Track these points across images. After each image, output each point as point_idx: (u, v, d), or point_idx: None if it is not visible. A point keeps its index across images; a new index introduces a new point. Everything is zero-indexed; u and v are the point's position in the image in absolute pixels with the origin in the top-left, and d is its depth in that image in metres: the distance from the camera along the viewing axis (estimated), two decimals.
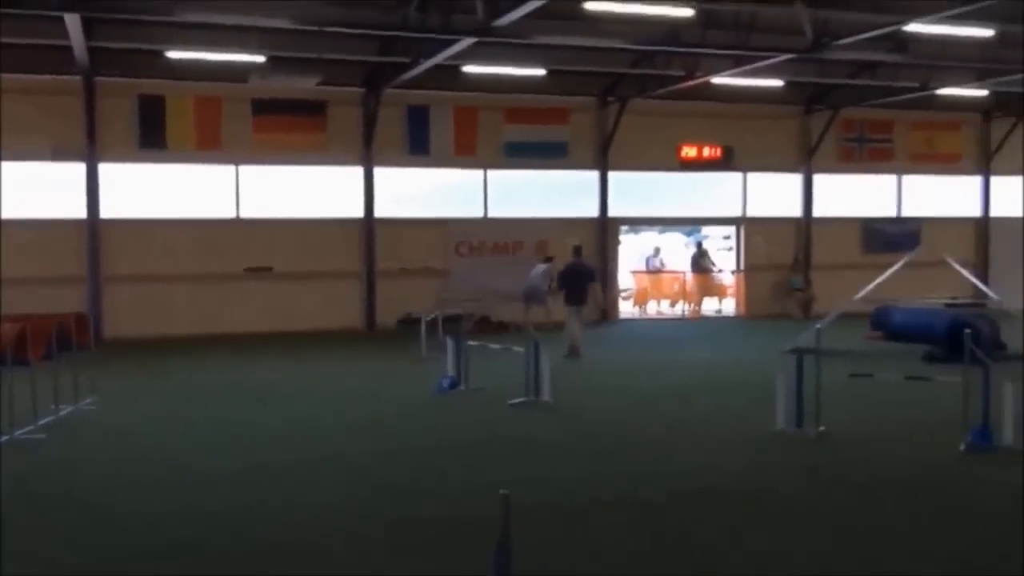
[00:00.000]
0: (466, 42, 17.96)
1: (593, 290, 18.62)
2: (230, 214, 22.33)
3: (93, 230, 21.13)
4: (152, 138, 21.36)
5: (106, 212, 21.29)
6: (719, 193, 26.41)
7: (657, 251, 28.18)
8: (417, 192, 23.80)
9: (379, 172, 23.25)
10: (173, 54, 19.51)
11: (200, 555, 6.86)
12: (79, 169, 20.99)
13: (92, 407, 12.50)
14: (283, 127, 22.15)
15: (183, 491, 8.59)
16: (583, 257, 19.51)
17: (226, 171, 22.26)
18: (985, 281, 22.49)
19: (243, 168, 22.34)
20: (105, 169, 21.28)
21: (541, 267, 20.07)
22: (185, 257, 21.77)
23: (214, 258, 22.01)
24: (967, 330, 10.53)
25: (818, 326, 11.50)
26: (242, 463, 9.67)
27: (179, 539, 7.21)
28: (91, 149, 20.96)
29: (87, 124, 20.89)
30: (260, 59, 20.17)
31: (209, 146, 21.78)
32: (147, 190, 21.74)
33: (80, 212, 21.09)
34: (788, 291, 26.44)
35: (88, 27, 18.17)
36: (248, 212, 22.43)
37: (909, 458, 9.76)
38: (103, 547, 7.07)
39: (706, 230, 28.67)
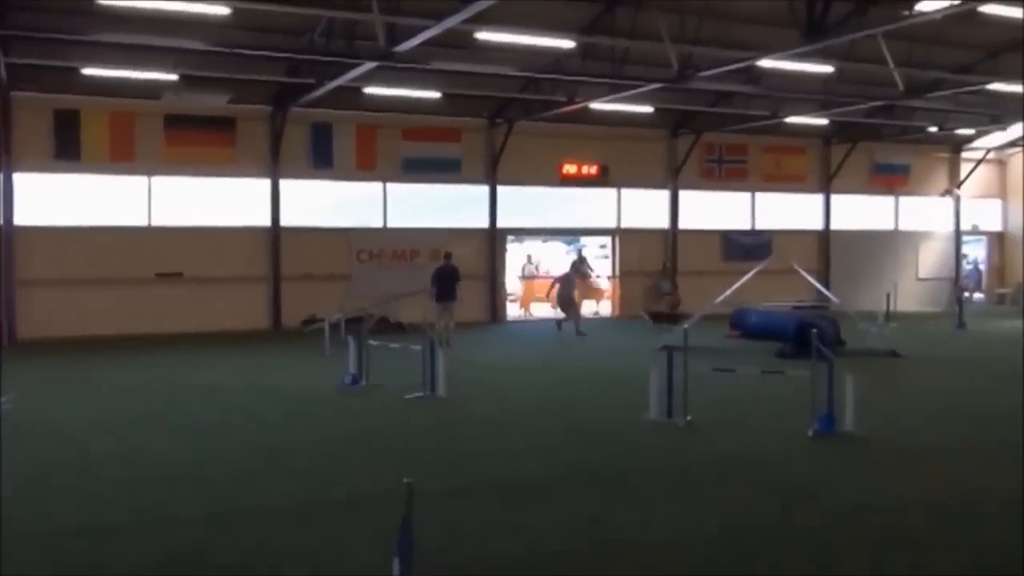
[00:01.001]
0: (368, 66, 17.80)
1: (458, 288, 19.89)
2: (142, 222, 21.57)
3: (7, 236, 20.11)
4: (67, 150, 20.47)
5: (20, 219, 20.30)
6: (596, 206, 26.80)
7: (529, 258, 28.49)
8: (321, 203, 23.44)
9: (285, 184, 22.82)
10: (89, 71, 18.73)
11: (97, 550, 6.59)
12: None
13: (8, 405, 11.87)
14: (194, 141, 21.52)
15: (93, 487, 8.24)
16: (451, 261, 20.40)
17: (139, 182, 21.49)
18: (827, 286, 23.48)
19: (155, 179, 21.61)
20: (20, 179, 20.30)
21: (567, 274, 22.34)
22: (99, 262, 20.92)
23: (127, 263, 21.23)
24: (813, 329, 10.91)
25: (685, 326, 11.77)
26: (154, 458, 9.33)
27: (83, 530, 6.92)
28: (6, 159, 19.96)
29: (2, 136, 19.90)
30: (173, 77, 19.57)
31: (123, 158, 20.99)
32: (62, 199, 20.81)
33: None
34: (658, 295, 27.01)
35: (5, 44, 17.35)
36: (160, 220, 21.70)
37: (764, 443, 10.06)
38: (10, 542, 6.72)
39: (584, 239, 29.00)
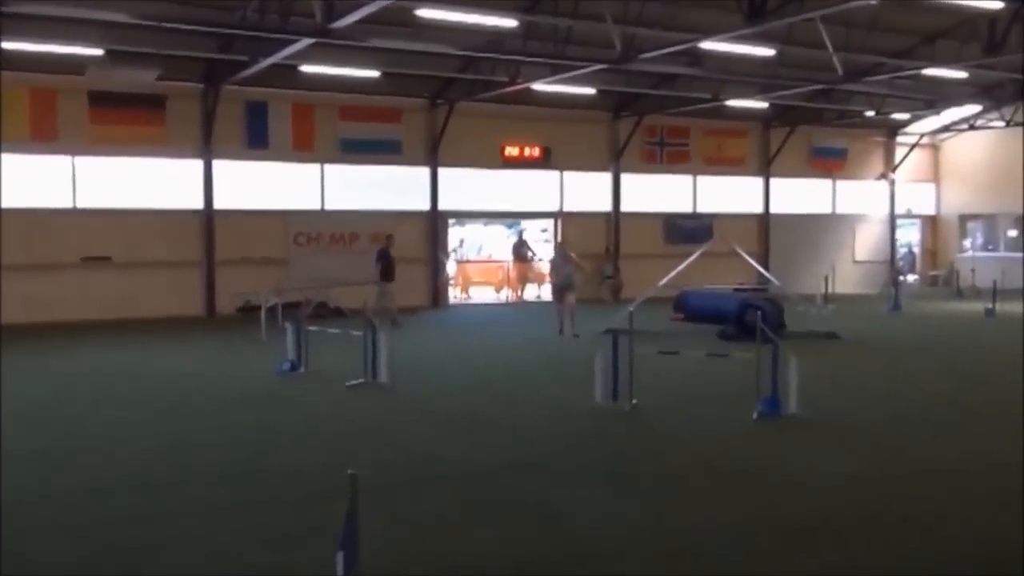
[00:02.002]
0: (304, 43, 17.39)
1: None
2: (67, 204, 20.82)
3: None
4: None
5: None
6: (539, 189, 26.69)
7: (461, 242, 28.38)
8: (257, 185, 22.90)
9: (218, 165, 22.22)
10: (7, 44, 17.93)
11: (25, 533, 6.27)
12: None
13: None
14: (121, 120, 20.80)
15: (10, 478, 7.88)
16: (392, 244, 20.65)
17: (62, 162, 20.72)
18: (766, 269, 23.74)
19: (80, 159, 20.86)
20: None
21: (558, 259, 19.57)
22: (19, 246, 20.10)
23: (49, 247, 20.48)
24: (758, 311, 10.96)
25: (630, 309, 11.72)
26: (76, 447, 8.96)
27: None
28: None
29: None
30: (98, 52, 18.86)
31: (44, 137, 20.21)
32: None
33: None
34: (600, 278, 27.04)
35: None
36: (85, 202, 20.97)
37: (708, 426, 10.05)
38: None
39: (525, 223, 28.93)
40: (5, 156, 20.07)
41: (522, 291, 27.39)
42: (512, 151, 26.01)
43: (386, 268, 19.92)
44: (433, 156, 24.88)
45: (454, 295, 26.88)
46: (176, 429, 9.90)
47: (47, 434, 9.69)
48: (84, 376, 13.56)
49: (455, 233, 27.46)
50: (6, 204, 20.07)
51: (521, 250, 27.28)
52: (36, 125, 20.10)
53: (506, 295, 27.39)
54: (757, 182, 30.43)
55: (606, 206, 27.81)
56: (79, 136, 20.54)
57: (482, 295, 27.69)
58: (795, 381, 10.12)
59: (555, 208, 27.09)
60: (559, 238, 25.38)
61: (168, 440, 9.35)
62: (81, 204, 20.94)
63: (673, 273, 18.98)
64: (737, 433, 9.63)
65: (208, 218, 22.12)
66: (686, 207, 29.13)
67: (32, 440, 9.34)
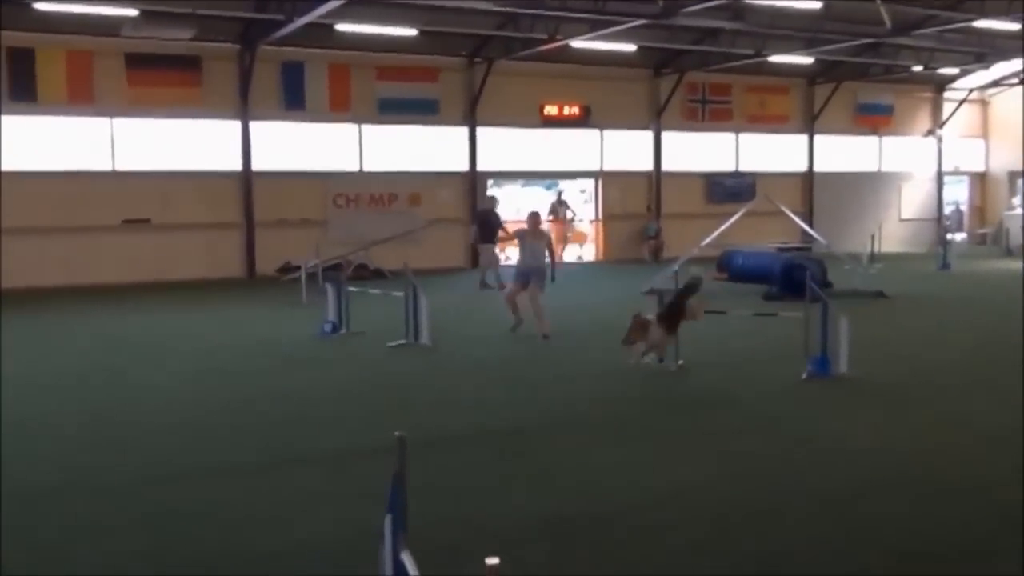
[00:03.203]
0: (339, 1, 17.15)
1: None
2: (106, 167, 20.89)
3: None
4: (23, 91, 19.68)
5: None
6: (578, 149, 26.35)
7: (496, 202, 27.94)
8: (294, 146, 22.81)
9: (255, 126, 22.14)
10: (42, 6, 17.92)
11: (71, 491, 6.25)
12: None
13: None
14: (158, 81, 20.75)
15: (61, 440, 7.89)
16: (494, 205, 20.63)
17: (100, 124, 20.75)
18: (811, 228, 23.28)
19: (117, 121, 20.88)
20: None
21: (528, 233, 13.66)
22: (60, 209, 20.25)
23: (90, 210, 20.59)
24: (807, 271, 10.69)
25: (676, 268, 11.49)
26: (124, 413, 8.97)
27: (52, 484, 6.57)
28: None
29: None
30: (132, 12, 18.78)
31: (82, 99, 20.22)
32: (19, 143, 20.05)
33: None
34: (643, 238, 26.69)
35: None
36: (124, 165, 21.03)
37: (757, 386, 9.83)
38: None
39: (564, 183, 28.57)
40: (44, 119, 20.13)
41: (561, 251, 27.13)
42: (551, 110, 25.65)
43: (484, 229, 19.56)
44: (471, 116, 24.61)
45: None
46: (221, 389, 9.88)
47: (96, 393, 9.72)
48: (126, 337, 13.61)
49: (492, 193, 27.12)
50: (50, 167, 20.18)
51: (559, 210, 27.00)
52: (73, 87, 20.12)
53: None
54: (801, 139, 29.82)
55: (647, 165, 27.40)
56: (116, 98, 20.53)
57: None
58: (846, 340, 9.85)
59: (595, 168, 26.74)
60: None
61: (214, 400, 9.34)
62: (120, 167, 21.00)
63: (716, 233, 18.69)
64: (786, 393, 9.41)
65: (246, 180, 22.10)
66: (728, 166, 28.64)
67: (75, 402, 9.38)
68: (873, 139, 31.22)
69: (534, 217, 13.67)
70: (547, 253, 13.35)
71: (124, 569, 5.12)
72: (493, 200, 21.60)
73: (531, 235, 13.31)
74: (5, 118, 19.80)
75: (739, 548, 5.37)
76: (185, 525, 5.80)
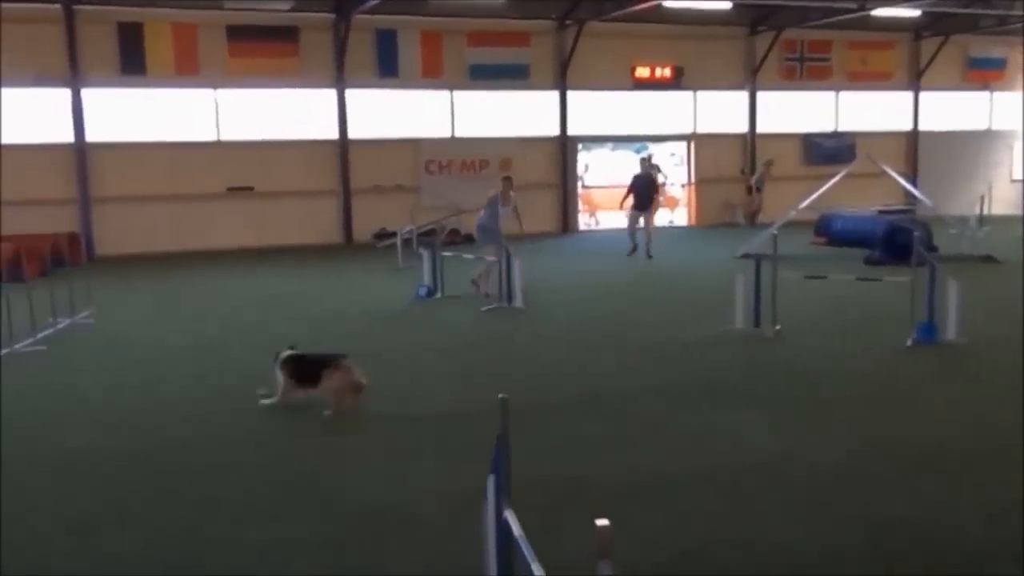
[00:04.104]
0: None
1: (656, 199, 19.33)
2: (211, 137, 21.55)
3: (80, 153, 20.33)
4: (132, 64, 20.41)
5: (92, 136, 20.45)
6: (670, 111, 25.94)
7: (586, 167, 27.67)
8: (388, 113, 23.07)
9: (351, 94, 22.48)
10: None
11: (192, 450, 6.58)
12: (64, 95, 20.09)
13: (89, 320, 12.05)
14: (258, 52, 21.22)
15: (179, 395, 8.27)
16: (650, 169, 19.72)
17: (205, 95, 21.39)
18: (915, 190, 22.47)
19: (221, 92, 21.47)
20: (88, 94, 20.35)
21: (491, 194, 14.13)
22: (168, 178, 21.03)
23: (196, 179, 21.29)
24: (912, 233, 10.37)
25: (774, 232, 11.28)
26: (235, 366, 9.35)
27: (177, 436, 6.92)
28: (74, 75, 20.00)
29: (69, 51, 19.89)
30: None
31: (187, 71, 20.85)
32: (130, 114, 20.84)
33: (67, 136, 20.25)
34: (752, 192, 25.94)
35: None
36: (228, 135, 21.65)
37: (859, 352, 9.64)
38: (104, 444, 6.75)
39: (656, 146, 28.18)
40: (152, 91, 20.84)
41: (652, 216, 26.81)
42: (643, 72, 25.28)
43: (639, 195, 18.66)
44: (562, 80, 24.45)
45: (584, 221, 26.56)
46: (327, 348, 10.15)
47: (211, 356, 10.13)
48: (233, 301, 14.10)
49: (581, 158, 26.96)
50: (159, 138, 20.93)
51: (652, 173, 26.62)
52: (180, 60, 20.75)
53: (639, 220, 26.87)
54: (906, 97, 28.69)
55: (741, 127, 26.81)
56: (219, 69, 21.09)
57: (612, 221, 27.29)
58: (955, 306, 9.55)
59: (688, 130, 26.31)
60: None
61: None
62: (224, 136, 21.62)
63: (815, 195, 18.23)
64: (889, 360, 9.20)
65: (343, 147, 22.50)
66: (827, 126, 27.79)
67: (192, 367, 9.80)
68: (984, 95, 29.81)
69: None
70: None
71: (253, 508, 5.38)
72: (650, 164, 20.31)
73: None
74: (117, 91, 20.57)
75: (843, 511, 5.33)
76: (298, 475, 6.06)
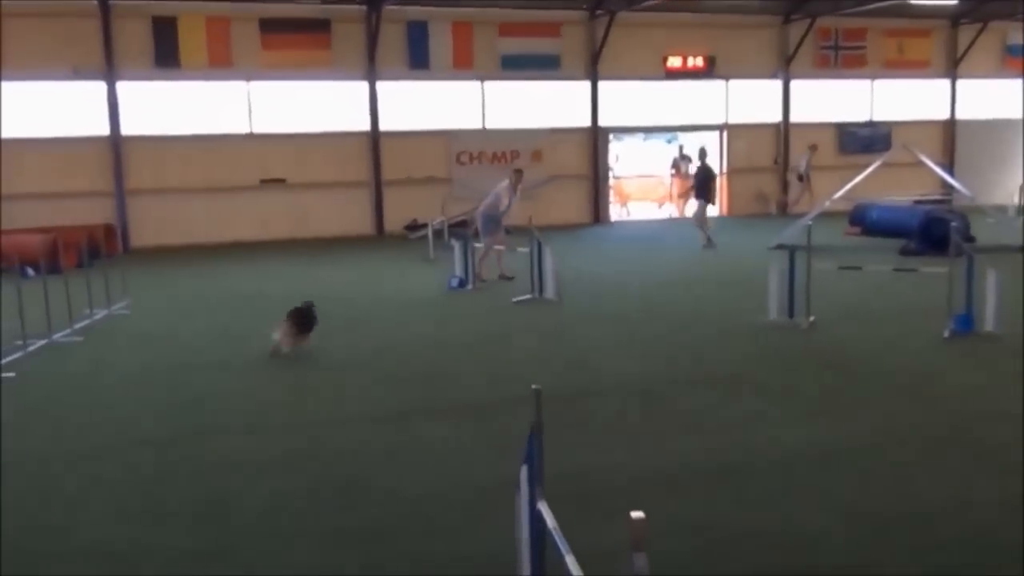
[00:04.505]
0: None
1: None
2: (243, 129, 21.69)
3: (116, 146, 20.55)
4: (167, 57, 20.59)
5: (127, 129, 20.67)
6: (703, 101, 25.73)
7: (617, 158, 27.53)
8: (419, 105, 23.08)
9: (382, 86, 22.52)
10: None
11: (226, 434, 6.63)
12: (100, 88, 20.32)
13: (125, 311, 12.20)
14: (290, 44, 21.33)
15: (214, 382, 8.35)
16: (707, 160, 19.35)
17: (238, 87, 21.53)
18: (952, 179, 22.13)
19: (254, 84, 21.60)
20: (124, 88, 20.56)
21: (502, 185, 14.57)
22: (202, 170, 21.20)
23: (229, 171, 21.45)
24: (949, 223, 10.21)
25: (808, 222, 11.16)
26: (266, 352, 9.42)
27: (210, 421, 6.98)
28: (109, 69, 20.21)
29: (104, 45, 20.10)
30: None
31: (221, 64, 21.00)
32: (164, 107, 21.03)
33: (103, 129, 20.48)
34: (804, 180, 25.53)
35: None
36: (260, 127, 21.78)
37: (895, 344, 9.52)
38: (140, 428, 6.84)
39: (687, 136, 27.97)
40: (186, 83, 21.00)
41: (684, 206, 26.71)
42: (675, 61, 25.08)
43: (701, 185, 18.75)
44: (593, 70, 24.34)
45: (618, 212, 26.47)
46: (361, 340, 10.22)
47: (243, 343, 10.22)
48: (268, 295, 14.18)
49: (612, 148, 26.83)
50: (193, 130, 21.10)
51: (681, 164, 26.52)
52: (213, 53, 20.89)
53: (669, 211, 26.79)
54: (943, 85, 28.22)
55: (774, 116, 26.54)
56: (252, 62, 21.22)
57: (643, 211, 27.18)
58: (994, 297, 9.39)
59: (720, 120, 26.08)
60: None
61: (355, 350, 9.67)
62: (257, 129, 21.75)
63: (849, 185, 18.02)
64: (925, 351, 9.08)
65: (374, 139, 22.56)
66: (862, 115, 27.43)
67: (215, 349, 9.89)
68: (1022, 83, 29.25)
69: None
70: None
71: (284, 501, 5.42)
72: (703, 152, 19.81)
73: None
74: (152, 84, 20.77)
75: (882, 503, 5.27)
76: (333, 466, 6.09)
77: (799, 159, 25.82)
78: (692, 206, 18.73)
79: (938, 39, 27.77)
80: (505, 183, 14.40)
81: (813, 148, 25.56)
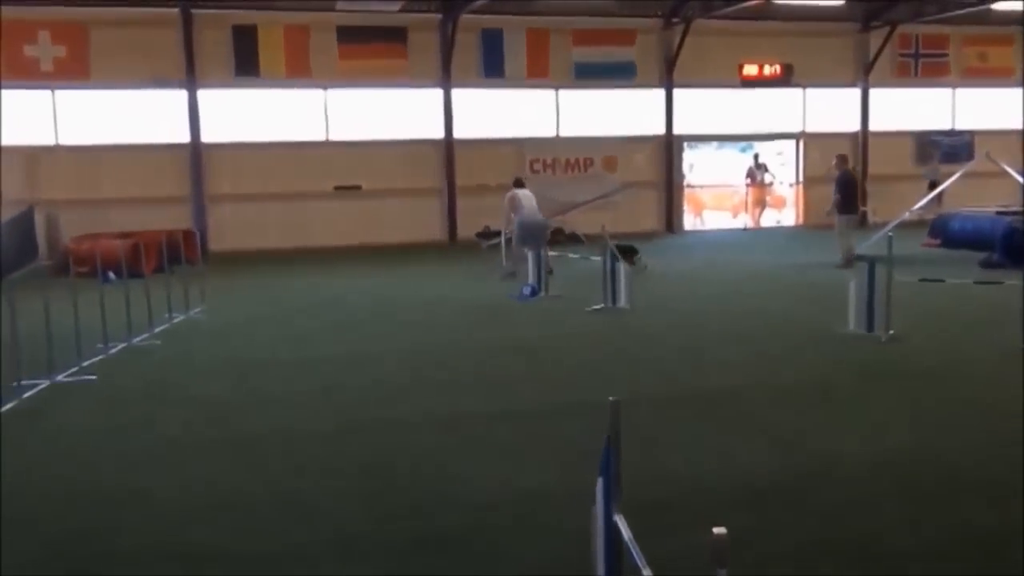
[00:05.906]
0: None
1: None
2: (320, 136, 22.06)
3: (196, 153, 21.08)
4: (246, 66, 21.06)
5: (207, 136, 21.18)
6: (779, 109, 25.34)
7: (691, 167, 27.12)
8: (493, 113, 23.19)
9: (457, 94, 22.69)
10: None
11: (297, 434, 6.72)
12: (181, 96, 20.87)
13: (202, 315, 12.48)
14: (367, 53, 21.65)
15: (291, 382, 8.47)
16: (848, 168, 17.26)
17: (315, 95, 21.91)
18: None
19: (331, 92, 21.96)
20: (204, 95, 21.09)
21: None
22: (279, 177, 21.61)
23: (306, 178, 21.82)
24: None
25: (889, 233, 10.88)
26: (342, 355, 9.53)
27: (284, 421, 7.08)
28: (190, 77, 20.75)
29: (186, 54, 20.65)
30: None
31: (299, 72, 21.40)
32: (243, 115, 21.51)
33: (184, 136, 21.03)
34: (928, 184, 24.67)
35: None
36: (337, 134, 22.13)
37: (974, 357, 9.22)
38: (218, 427, 6.98)
39: (762, 145, 27.52)
40: (265, 91, 21.44)
41: (759, 215, 26.32)
42: (751, 69, 24.76)
43: (846, 197, 16.52)
44: (668, 78, 24.15)
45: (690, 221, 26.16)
46: (434, 347, 10.29)
47: (327, 346, 10.38)
48: (342, 301, 14.39)
49: (686, 157, 26.55)
50: (271, 138, 21.52)
51: (757, 173, 26.13)
52: (292, 61, 21.30)
53: (744, 220, 26.42)
54: None
55: (853, 125, 25.99)
56: (329, 70, 21.57)
57: (717, 220, 26.83)
58: None
59: (796, 129, 25.65)
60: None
61: (428, 356, 9.74)
62: (333, 136, 22.10)
63: (931, 195, 17.55)
64: (1004, 365, 8.75)
65: (448, 147, 22.73)
66: (943, 124, 26.69)
67: (323, 348, 10.04)
68: None
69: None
70: None
71: (350, 508, 5.47)
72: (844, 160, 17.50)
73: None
74: (231, 92, 21.26)
75: (957, 520, 5.09)
76: (403, 471, 6.12)
77: (928, 167, 24.77)
78: (836, 220, 16.58)
79: (1021, 47, 26.89)
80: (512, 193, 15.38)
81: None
